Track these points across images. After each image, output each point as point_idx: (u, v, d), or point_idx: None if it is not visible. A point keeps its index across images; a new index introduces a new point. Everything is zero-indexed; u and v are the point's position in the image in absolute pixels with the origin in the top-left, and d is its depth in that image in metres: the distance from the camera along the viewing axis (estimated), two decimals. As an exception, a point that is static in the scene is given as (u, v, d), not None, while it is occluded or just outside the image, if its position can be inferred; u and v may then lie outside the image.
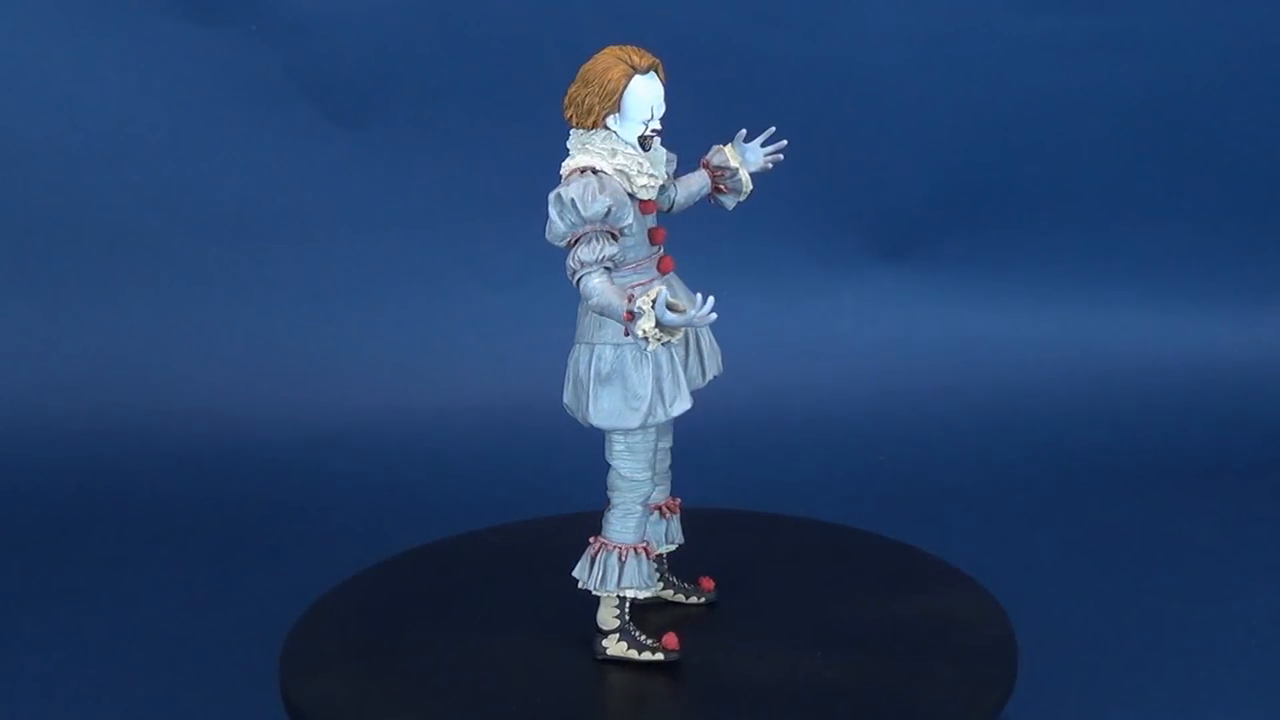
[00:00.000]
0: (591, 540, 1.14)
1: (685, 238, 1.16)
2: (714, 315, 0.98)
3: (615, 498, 1.13)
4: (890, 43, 2.07)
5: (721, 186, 1.18)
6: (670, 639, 1.14)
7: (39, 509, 1.81)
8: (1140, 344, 2.13)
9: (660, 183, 1.10)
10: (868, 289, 2.15)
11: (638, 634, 1.14)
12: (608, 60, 1.06)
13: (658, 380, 1.07)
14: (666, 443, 1.21)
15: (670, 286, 1.09)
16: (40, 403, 2.00)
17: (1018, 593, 1.32)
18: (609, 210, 1.03)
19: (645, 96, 1.05)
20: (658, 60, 1.07)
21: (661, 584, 1.22)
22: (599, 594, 1.13)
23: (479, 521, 1.48)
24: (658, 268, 1.11)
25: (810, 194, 2.06)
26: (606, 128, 1.07)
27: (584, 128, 1.07)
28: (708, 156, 1.18)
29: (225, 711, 1.33)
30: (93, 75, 2.04)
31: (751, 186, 1.17)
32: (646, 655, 1.14)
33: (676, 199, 1.17)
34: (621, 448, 1.11)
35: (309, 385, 2.04)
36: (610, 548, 1.13)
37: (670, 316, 0.98)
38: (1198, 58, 2.09)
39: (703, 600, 1.23)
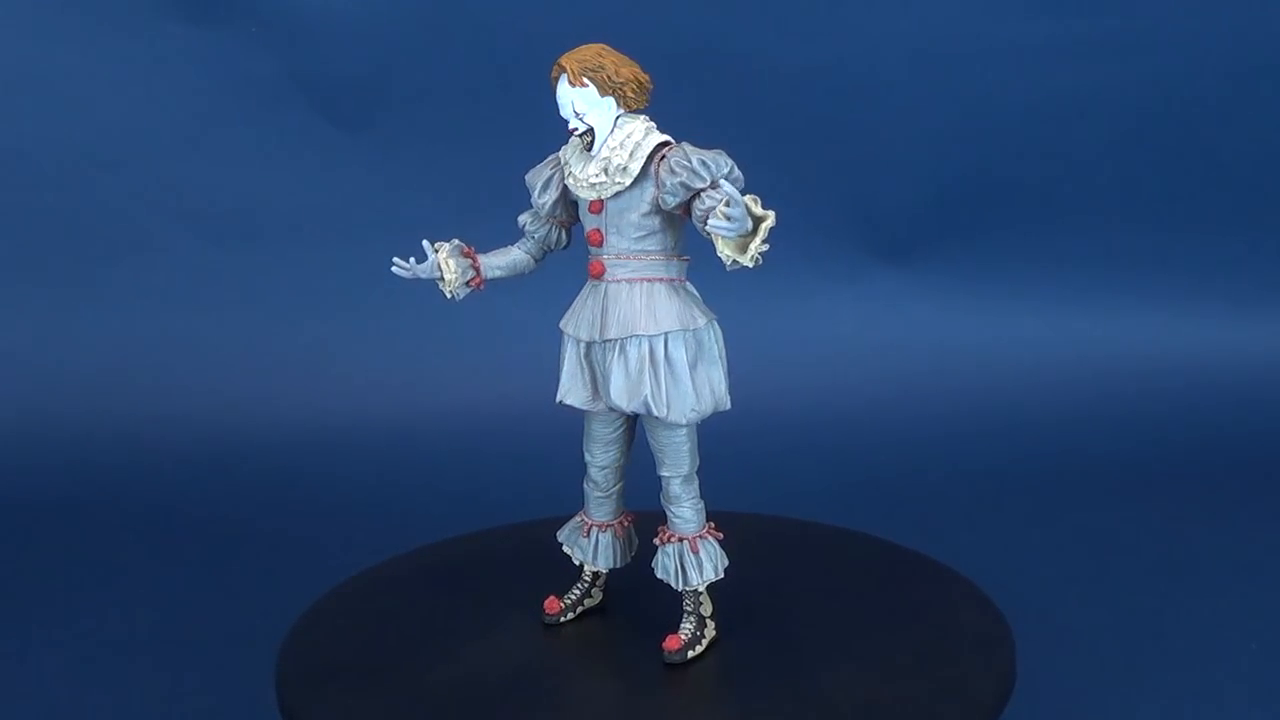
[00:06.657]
0: None
1: (686, 241, 1.15)
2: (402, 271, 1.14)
3: None
4: (889, 47, 2.08)
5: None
6: (549, 603, 1.22)
7: (37, 512, 1.81)
8: (1137, 346, 2.13)
9: (581, 186, 1.10)
10: (867, 292, 2.15)
11: (573, 590, 1.23)
12: None
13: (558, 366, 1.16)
14: (666, 467, 1.15)
15: (631, 300, 1.11)
16: (36, 406, 2.00)
17: (1016, 594, 1.32)
18: (527, 185, 1.16)
19: (557, 98, 1.11)
20: (565, 64, 1.08)
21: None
22: None
23: (477, 524, 1.49)
24: (589, 269, 1.13)
25: (810, 197, 2.07)
26: None
27: None
28: None
29: (223, 714, 1.33)
30: (92, 77, 2.04)
31: (722, 251, 1.01)
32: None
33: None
34: None
35: (308, 388, 2.05)
36: (580, 515, 1.23)
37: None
38: (1194, 63, 2.10)
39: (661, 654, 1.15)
